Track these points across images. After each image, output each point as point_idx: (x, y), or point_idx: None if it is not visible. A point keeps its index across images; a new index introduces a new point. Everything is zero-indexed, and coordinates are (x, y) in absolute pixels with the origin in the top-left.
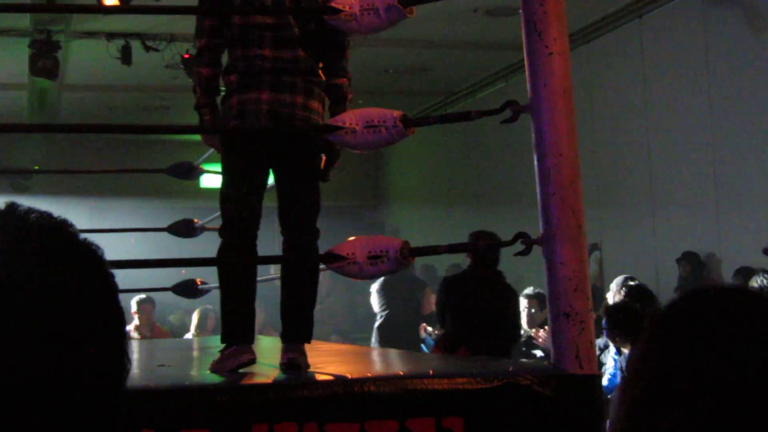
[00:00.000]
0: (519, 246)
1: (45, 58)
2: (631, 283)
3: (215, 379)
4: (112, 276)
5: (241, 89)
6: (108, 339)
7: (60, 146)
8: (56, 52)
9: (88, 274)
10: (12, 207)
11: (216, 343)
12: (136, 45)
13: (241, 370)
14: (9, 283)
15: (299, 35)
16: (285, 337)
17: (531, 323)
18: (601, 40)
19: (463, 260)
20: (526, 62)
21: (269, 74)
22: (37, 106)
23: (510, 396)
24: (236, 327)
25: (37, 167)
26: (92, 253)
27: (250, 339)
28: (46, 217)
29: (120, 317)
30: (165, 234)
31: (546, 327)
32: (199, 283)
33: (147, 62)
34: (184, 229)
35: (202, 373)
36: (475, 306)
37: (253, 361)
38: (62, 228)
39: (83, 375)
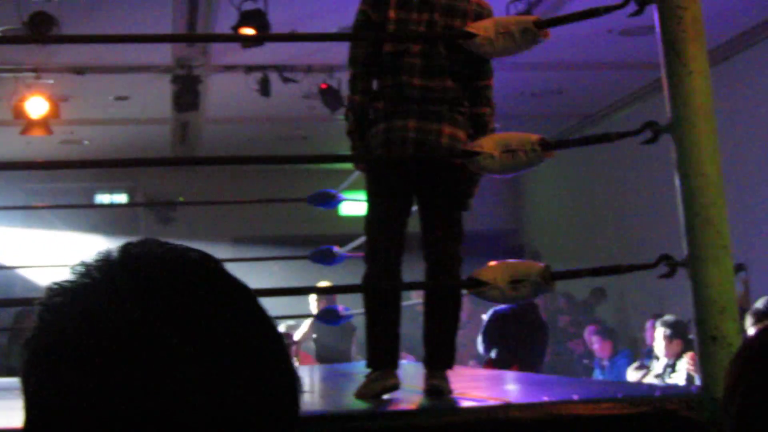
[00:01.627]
0: (662, 268)
1: (186, 93)
2: (759, 306)
3: (360, 405)
4: (261, 305)
5: (388, 117)
6: (282, 372)
7: (202, 178)
8: (197, 86)
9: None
10: (145, 243)
11: (359, 369)
12: (274, 77)
13: (385, 396)
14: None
15: (448, 65)
16: (428, 363)
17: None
18: (741, 56)
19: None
20: (664, 82)
21: (417, 103)
22: (179, 139)
23: (657, 421)
24: (381, 352)
25: (181, 199)
26: (239, 283)
27: (394, 364)
28: (184, 250)
29: (285, 351)
30: (306, 261)
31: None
32: (341, 309)
33: (285, 93)
34: (324, 256)
35: (346, 399)
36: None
37: (397, 386)
38: (206, 261)
39: (263, 407)
